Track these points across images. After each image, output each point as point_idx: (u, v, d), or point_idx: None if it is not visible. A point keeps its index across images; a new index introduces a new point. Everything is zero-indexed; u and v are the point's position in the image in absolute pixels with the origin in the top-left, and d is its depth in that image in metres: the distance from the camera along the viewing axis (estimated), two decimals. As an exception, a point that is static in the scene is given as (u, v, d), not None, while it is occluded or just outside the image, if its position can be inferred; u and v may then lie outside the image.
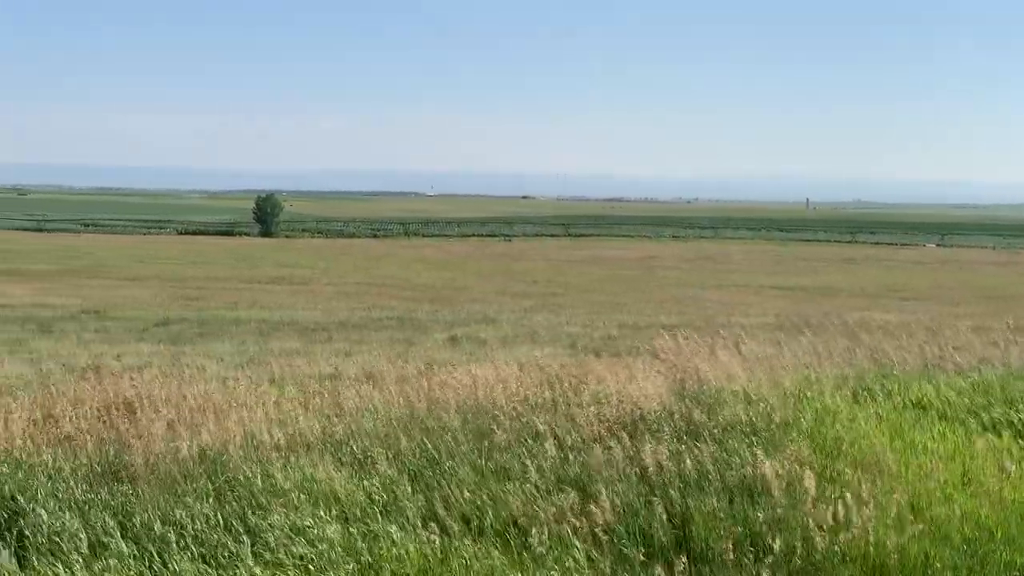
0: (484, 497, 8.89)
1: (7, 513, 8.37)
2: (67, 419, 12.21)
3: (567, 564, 7.67)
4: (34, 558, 7.62)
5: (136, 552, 7.70)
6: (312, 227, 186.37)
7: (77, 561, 7.42)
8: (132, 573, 7.34)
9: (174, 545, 7.82)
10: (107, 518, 8.22)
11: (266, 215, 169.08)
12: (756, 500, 9.30)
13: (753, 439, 10.88)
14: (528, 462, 9.65)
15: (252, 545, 7.79)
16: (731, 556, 8.21)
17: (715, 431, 11.24)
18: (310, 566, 7.52)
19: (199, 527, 8.12)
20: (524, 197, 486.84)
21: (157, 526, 8.13)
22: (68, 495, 8.85)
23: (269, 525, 8.09)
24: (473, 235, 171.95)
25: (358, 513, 8.59)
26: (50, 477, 9.44)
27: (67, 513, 8.34)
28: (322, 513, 8.39)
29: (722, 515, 8.83)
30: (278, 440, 10.93)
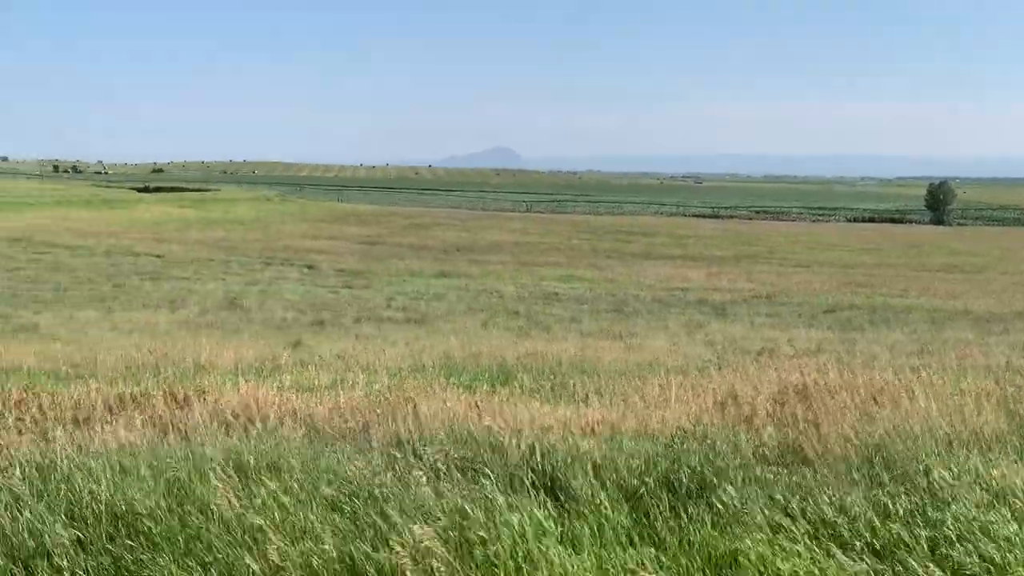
0: None
1: (696, 485, 8.73)
2: (747, 400, 12.54)
3: None
4: (724, 529, 7.85)
5: (810, 532, 7.72)
6: (986, 215, 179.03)
7: (759, 538, 7.55)
8: (808, 556, 7.35)
9: (844, 533, 7.75)
10: (789, 499, 8.31)
11: (938, 202, 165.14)
12: None
13: None
14: None
15: (929, 540, 7.53)
16: None
17: None
18: (990, 566, 7.14)
19: (872, 517, 7.98)
20: None
21: (831, 512, 8.09)
22: (750, 474, 9.07)
23: (946, 521, 7.78)
24: None
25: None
26: (732, 455, 9.73)
27: (750, 491, 8.54)
28: (1002, 512, 7.95)
29: None
30: (959, 432, 10.54)
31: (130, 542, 7.44)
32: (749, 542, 7.50)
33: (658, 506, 8.23)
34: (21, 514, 7.91)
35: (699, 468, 9.11)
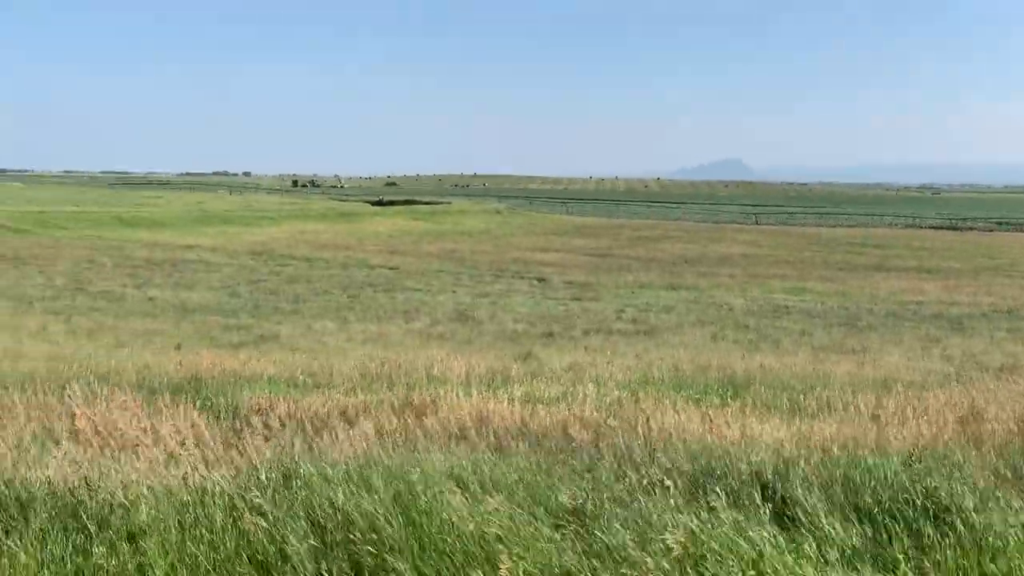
0: None
1: (937, 507, 8.42)
2: (991, 418, 12.05)
3: None
4: (970, 555, 7.56)
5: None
6: None
7: (1013, 564, 7.25)
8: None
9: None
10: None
11: None
12: None
13: None
14: None
15: None
16: None
17: None
18: None
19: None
20: None
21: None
22: (996, 494, 8.70)
23: None
24: None
25: None
26: (977, 475, 9.37)
27: (997, 513, 8.20)
28: None
29: None
30: None
31: (367, 548, 7.60)
32: (998, 568, 7.19)
33: (894, 528, 7.94)
34: (264, 520, 8.17)
35: (940, 488, 8.77)
